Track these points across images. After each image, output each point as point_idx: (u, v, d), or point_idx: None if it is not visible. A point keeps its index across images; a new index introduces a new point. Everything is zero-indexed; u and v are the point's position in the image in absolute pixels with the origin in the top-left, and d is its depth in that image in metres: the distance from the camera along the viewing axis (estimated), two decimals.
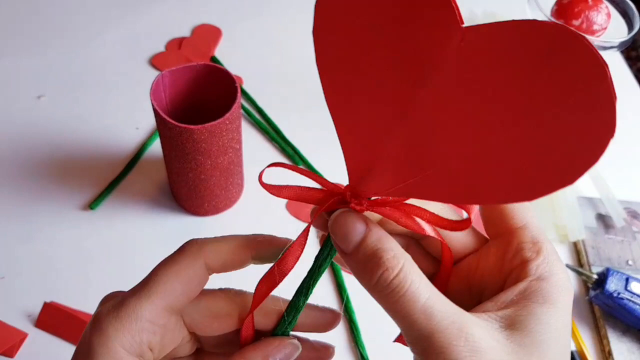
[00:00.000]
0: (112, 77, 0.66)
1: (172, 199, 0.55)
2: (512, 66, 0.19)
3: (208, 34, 0.73)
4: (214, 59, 0.70)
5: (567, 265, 0.52)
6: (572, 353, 0.48)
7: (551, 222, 0.55)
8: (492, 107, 0.20)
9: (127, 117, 0.62)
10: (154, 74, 0.67)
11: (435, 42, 0.20)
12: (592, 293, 0.50)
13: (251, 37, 0.74)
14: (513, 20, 0.19)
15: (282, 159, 0.60)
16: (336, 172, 0.60)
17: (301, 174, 0.27)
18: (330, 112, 0.24)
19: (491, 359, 0.21)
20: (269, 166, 0.27)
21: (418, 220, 0.24)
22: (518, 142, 0.20)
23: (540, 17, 0.48)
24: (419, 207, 0.24)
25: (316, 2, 0.23)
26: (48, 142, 0.59)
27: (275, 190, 0.26)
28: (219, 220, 0.54)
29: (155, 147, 0.60)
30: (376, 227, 0.23)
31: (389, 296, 0.22)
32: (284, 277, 0.26)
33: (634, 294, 0.48)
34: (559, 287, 0.23)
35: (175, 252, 0.27)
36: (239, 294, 0.29)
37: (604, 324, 0.50)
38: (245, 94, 0.66)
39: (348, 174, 0.25)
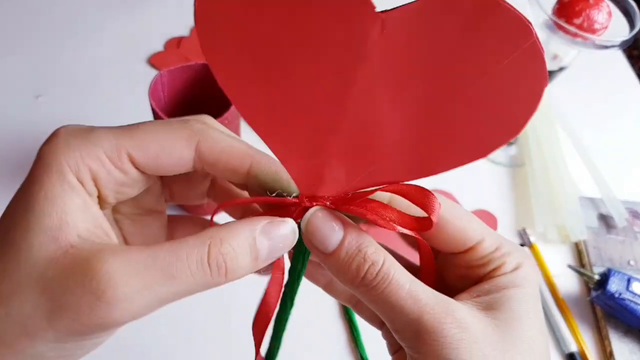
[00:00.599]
0: (110, 77, 0.66)
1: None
2: (440, 42, 0.20)
3: None
4: None
5: (569, 266, 0.51)
6: (573, 354, 0.48)
7: (552, 222, 0.55)
8: (427, 84, 0.20)
9: (126, 117, 0.62)
10: (152, 73, 0.67)
11: (354, 38, 0.19)
12: (593, 294, 0.50)
13: None
14: None
15: None
16: None
17: (249, 202, 0.26)
18: (255, 131, 0.22)
19: (477, 334, 0.22)
20: (216, 211, 0.25)
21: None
22: (461, 109, 0.21)
23: (541, 15, 0.48)
24: (384, 205, 0.24)
25: (195, 2, 0.19)
26: None
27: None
28: (219, 220, 0.54)
29: None
30: (350, 223, 0.23)
31: (375, 288, 0.22)
32: (273, 313, 0.26)
33: (635, 294, 0.48)
34: (526, 276, 0.25)
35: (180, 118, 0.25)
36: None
37: (606, 324, 0.49)
38: None
39: (296, 184, 0.24)
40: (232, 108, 0.44)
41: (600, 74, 0.75)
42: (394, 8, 0.19)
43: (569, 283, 0.53)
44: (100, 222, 0.22)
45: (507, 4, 0.19)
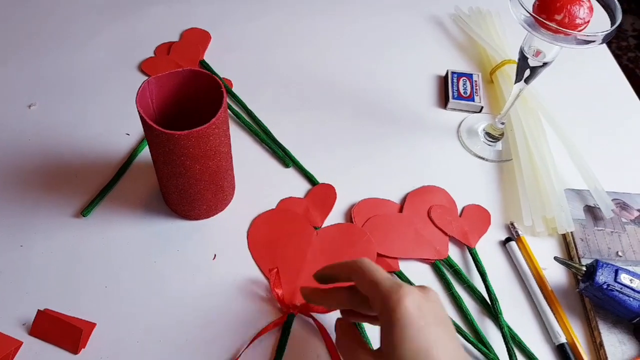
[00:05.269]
0: (102, 84, 0.67)
1: (164, 204, 0.56)
2: (335, 241, 0.54)
3: (197, 38, 0.73)
4: (203, 63, 0.70)
5: (555, 258, 0.52)
6: (564, 345, 0.48)
7: (540, 215, 0.56)
8: (331, 253, 0.53)
9: (118, 124, 0.62)
10: (143, 79, 0.68)
11: (308, 236, 0.54)
12: (582, 285, 0.50)
13: (240, 40, 0.74)
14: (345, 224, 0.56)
15: (273, 161, 0.61)
16: (324, 171, 0.60)
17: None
18: (264, 272, 0.52)
19: None
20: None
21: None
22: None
23: (522, 12, 0.48)
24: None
25: (249, 230, 0.55)
26: (39, 150, 0.59)
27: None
28: (211, 224, 0.55)
29: (146, 153, 0.60)
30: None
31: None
32: None
33: (623, 285, 0.49)
34: (398, 315, 0.35)
35: None
36: None
37: (595, 315, 0.50)
38: (235, 97, 0.66)
39: (281, 299, 0.49)
40: (219, 114, 0.45)
41: (584, 67, 0.76)
42: (322, 227, 0.55)
43: (557, 275, 0.54)
44: None
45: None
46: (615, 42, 1.87)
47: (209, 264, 0.52)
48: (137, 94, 0.45)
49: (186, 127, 0.43)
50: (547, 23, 0.47)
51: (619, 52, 1.85)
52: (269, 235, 0.54)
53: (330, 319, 0.49)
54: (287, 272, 0.51)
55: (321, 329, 0.48)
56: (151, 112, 0.48)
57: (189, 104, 0.50)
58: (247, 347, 0.46)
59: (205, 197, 0.52)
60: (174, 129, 0.43)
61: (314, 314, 0.49)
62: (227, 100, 0.58)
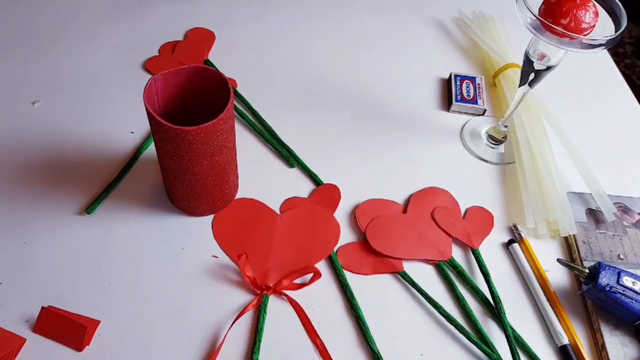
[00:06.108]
0: (106, 82, 0.67)
1: (168, 201, 0.56)
2: (298, 225, 0.55)
3: (202, 38, 0.73)
4: (207, 63, 0.70)
5: (558, 260, 0.52)
6: (566, 347, 0.49)
7: (542, 217, 0.56)
8: (297, 233, 0.55)
9: (122, 121, 0.62)
10: (147, 78, 0.68)
11: (272, 221, 0.55)
12: (584, 287, 0.51)
13: (245, 40, 0.75)
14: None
15: (277, 161, 0.61)
16: (329, 171, 0.60)
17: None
18: (233, 259, 0.52)
19: None
20: None
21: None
22: (311, 241, 0.54)
23: (528, 15, 0.49)
24: (292, 284, 0.51)
25: (213, 221, 0.55)
26: (43, 148, 0.59)
27: None
28: (215, 221, 0.55)
29: (150, 151, 0.60)
30: None
31: None
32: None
33: (626, 287, 0.49)
34: None
35: None
36: None
37: (597, 317, 0.50)
38: (239, 97, 0.67)
39: (256, 279, 0.51)
40: (227, 109, 0.45)
41: (586, 72, 0.76)
42: (284, 212, 0.56)
43: (560, 277, 0.54)
44: None
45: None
46: (612, 48, 1.89)
47: (213, 261, 0.52)
48: (144, 91, 0.45)
49: (191, 124, 0.43)
50: (553, 27, 0.47)
51: (616, 59, 1.86)
52: (234, 226, 0.55)
53: (303, 294, 0.50)
54: (257, 256, 0.53)
55: (295, 306, 0.49)
56: (157, 108, 0.48)
57: (193, 101, 0.50)
58: (227, 331, 0.46)
59: (210, 194, 0.52)
60: (179, 125, 0.43)
61: (286, 292, 0.50)
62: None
